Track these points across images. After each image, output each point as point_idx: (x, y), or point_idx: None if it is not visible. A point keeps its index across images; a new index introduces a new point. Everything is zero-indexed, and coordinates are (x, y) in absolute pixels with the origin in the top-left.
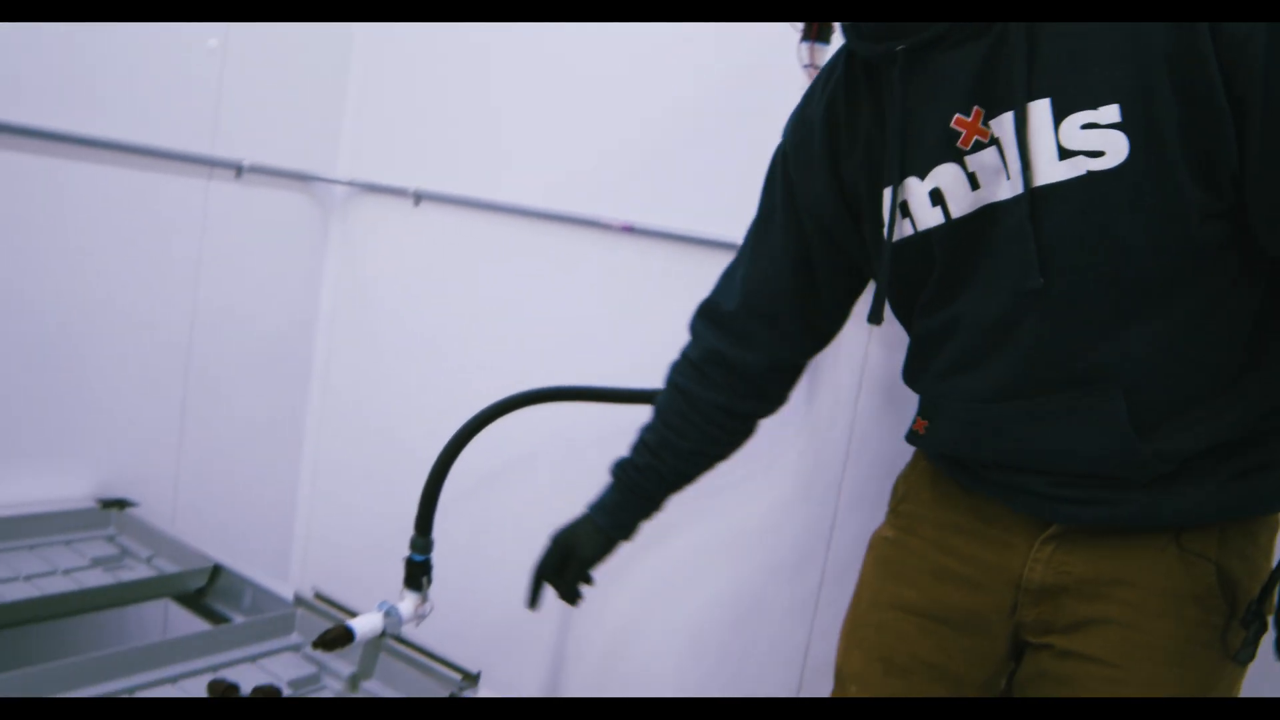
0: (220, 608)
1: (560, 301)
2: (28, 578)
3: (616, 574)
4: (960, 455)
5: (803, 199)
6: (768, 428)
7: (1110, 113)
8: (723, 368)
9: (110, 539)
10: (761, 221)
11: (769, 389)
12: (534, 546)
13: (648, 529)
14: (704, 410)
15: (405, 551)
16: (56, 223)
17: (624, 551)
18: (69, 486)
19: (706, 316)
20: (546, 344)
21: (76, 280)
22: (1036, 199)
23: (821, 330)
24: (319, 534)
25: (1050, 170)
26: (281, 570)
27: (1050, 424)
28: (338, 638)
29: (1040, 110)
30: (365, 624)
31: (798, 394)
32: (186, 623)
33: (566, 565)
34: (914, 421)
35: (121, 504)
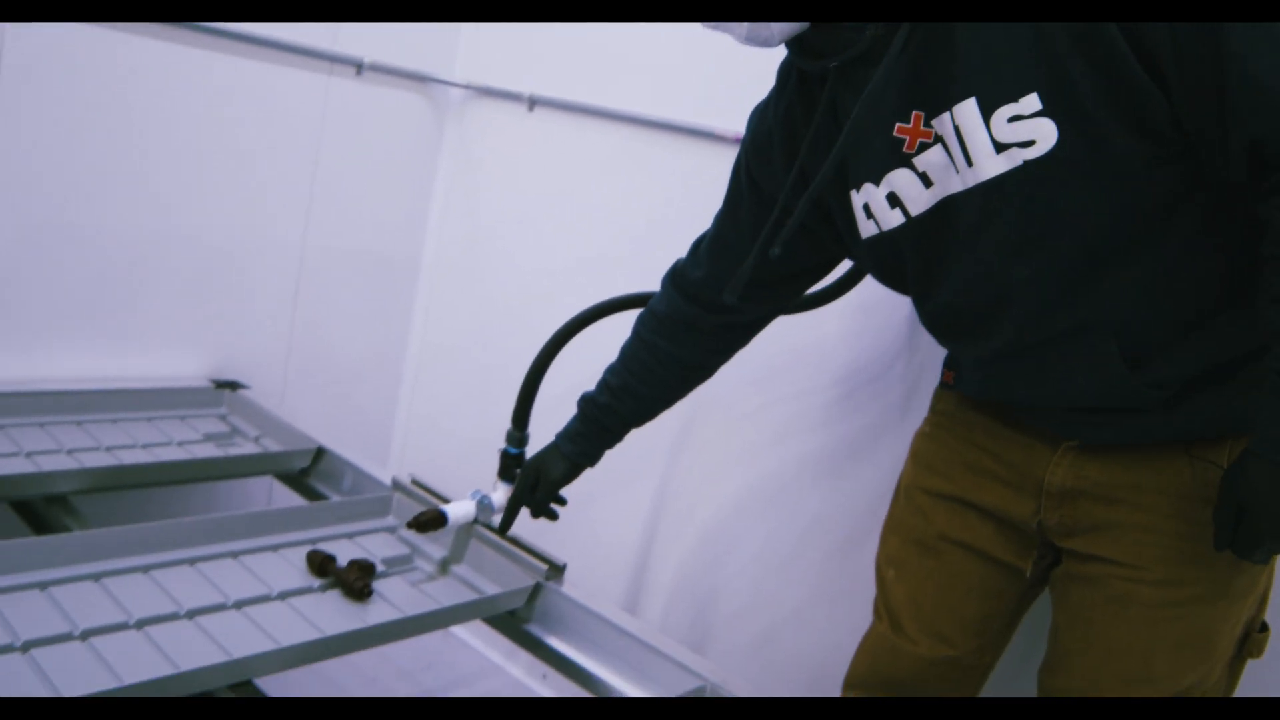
0: (321, 488)
1: (668, 211)
2: (144, 446)
3: (706, 488)
4: (984, 399)
5: (767, 193)
6: (864, 345)
7: (1031, 102)
8: (684, 326)
9: (222, 417)
10: (728, 203)
11: (724, 346)
12: (625, 451)
13: (740, 446)
14: (664, 361)
15: (501, 446)
16: (181, 110)
17: (714, 466)
18: (185, 366)
19: (675, 280)
20: (652, 253)
21: (199, 168)
22: (987, 190)
23: (776, 303)
24: (419, 425)
25: (990, 165)
26: (381, 458)
27: (1052, 371)
28: (431, 520)
29: (969, 110)
30: (458, 510)
31: (900, 316)
32: (289, 500)
33: (537, 486)
34: (943, 373)
35: (234, 385)
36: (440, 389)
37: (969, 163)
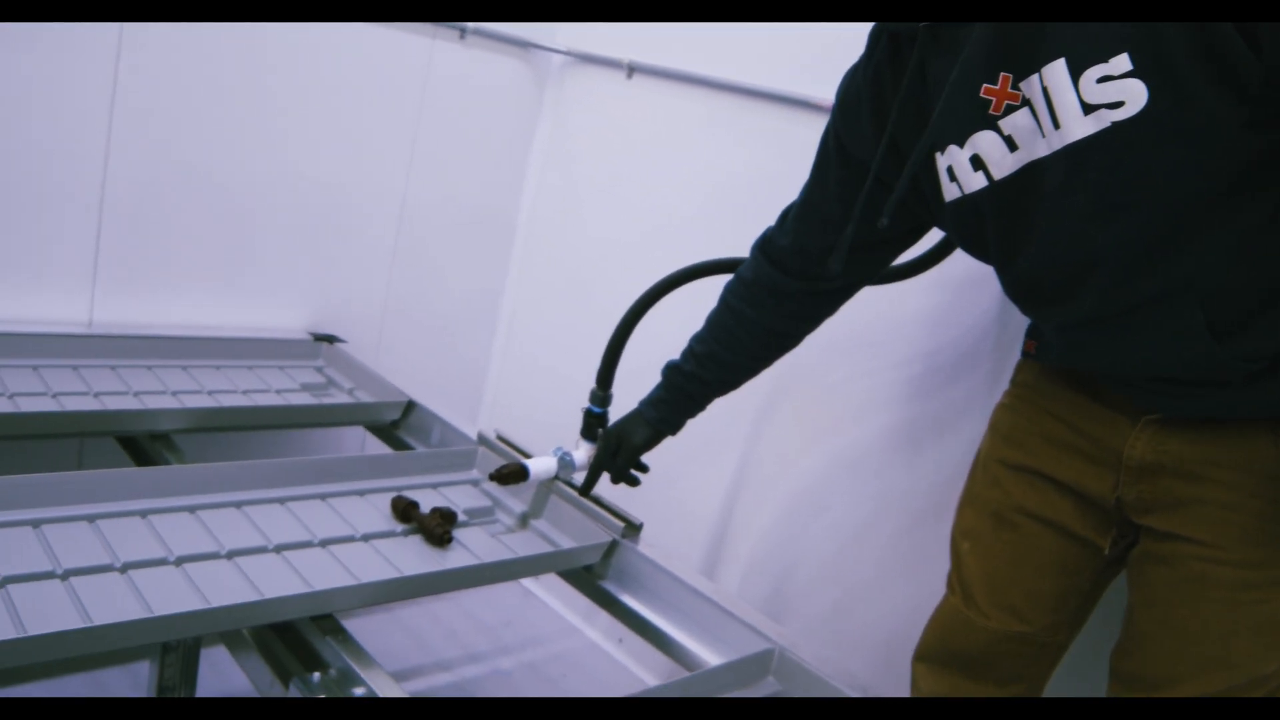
0: (410, 440)
1: (760, 179)
2: (244, 391)
3: (788, 458)
4: (1067, 367)
5: (855, 158)
6: (953, 321)
7: (1121, 62)
8: (772, 293)
9: (318, 369)
10: (817, 170)
11: (811, 314)
12: (709, 421)
13: (824, 418)
14: (751, 328)
15: (585, 405)
16: (290, 72)
17: (797, 437)
18: (286, 319)
19: (764, 248)
20: (743, 221)
21: (308, 124)
22: (1074, 153)
23: (867, 271)
24: (509, 382)
25: (1078, 127)
26: (471, 413)
27: (1136, 339)
28: (513, 473)
29: (1057, 70)
30: (540, 465)
31: (991, 292)
32: (378, 450)
33: (619, 452)
34: (1025, 343)
35: (330, 339)
36: (531, 347)
37: (1056, 125)
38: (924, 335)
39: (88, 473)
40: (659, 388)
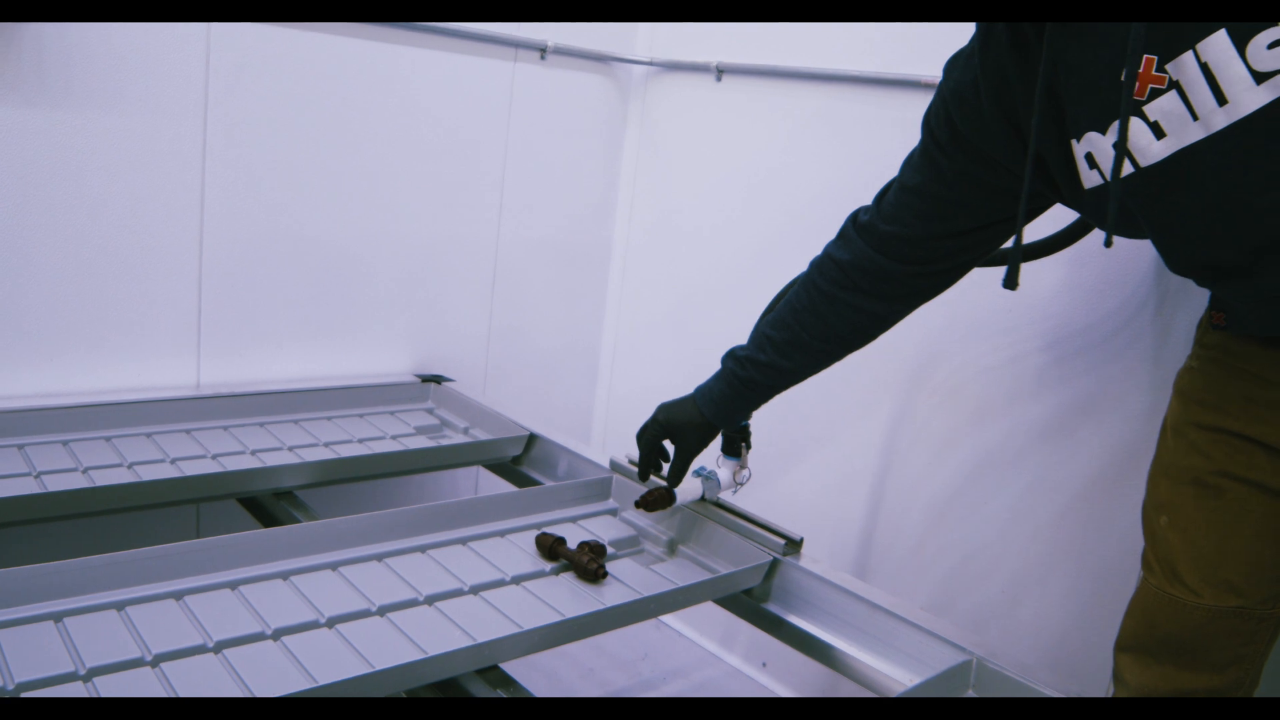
0: (534, 474)
1: (870, 168)
2: (360, 440)
3: (932, 455)
4: (1269, 335)
5: (973, 145)
6: (1106, 292)
7: None
8: (875, 277)
9: (430, 410)
10: (925, 158)
11: (916, 296)
12: (843, 423)
13: (967, 410)
14: (843, 312)
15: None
16: (375, 112)
17: (938, 433)
18: (392, 364)
19: (863, 233)
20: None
21: (397, 166)
22: (1245, 127)
23: (977, 255)
24: (619, 409)
25: (1250, 98)
26: (582, 444)
27: None
28: (659, 499)
29: (1218, 43)
30: (685, 488)
31: (1151, 261)
32: (500, 489)
33: (670, 455)
34: (1210, 314)
35: (439, 379)
36: (638, 371)
37: (1220, 101)
38: (1072, 311)
39: (225, 538)
40: (719, 381)
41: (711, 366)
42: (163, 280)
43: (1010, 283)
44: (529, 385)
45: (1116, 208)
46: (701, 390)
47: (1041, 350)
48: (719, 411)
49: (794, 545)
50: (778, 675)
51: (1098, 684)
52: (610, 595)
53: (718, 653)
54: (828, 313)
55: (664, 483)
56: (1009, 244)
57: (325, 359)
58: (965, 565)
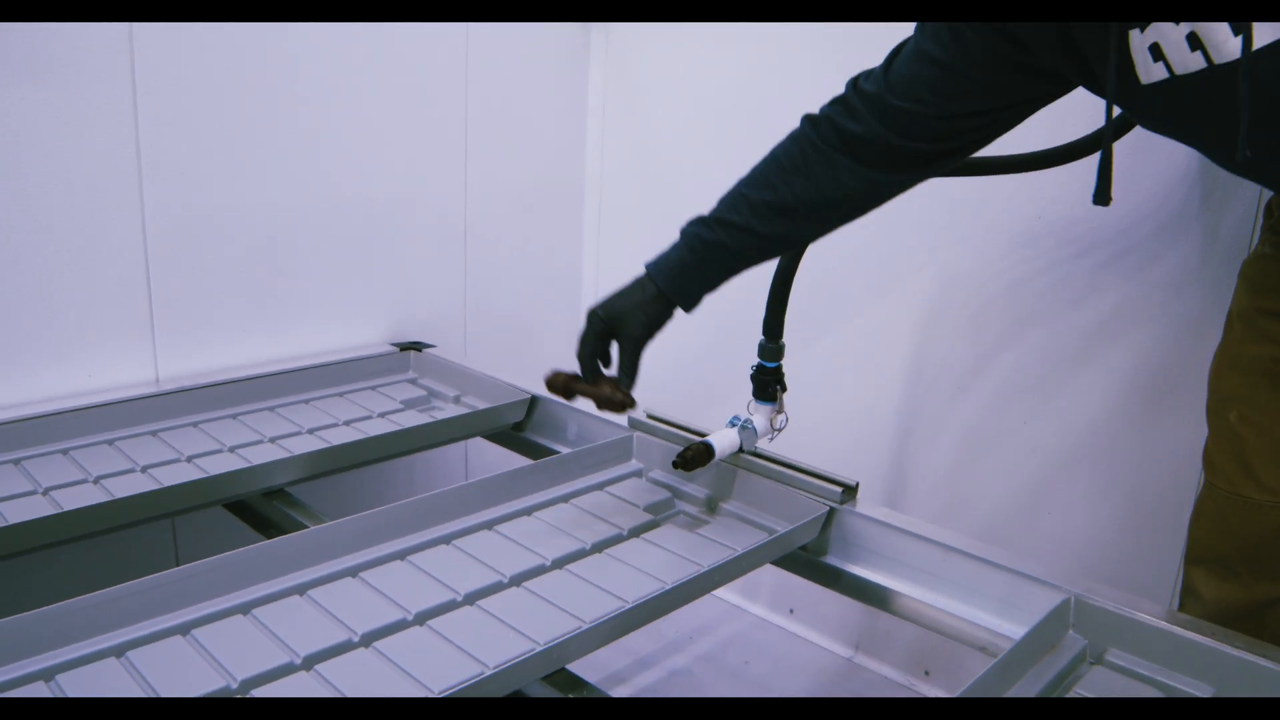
0: (541, 440)
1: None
2: (347, 423)
3: (961, 384)
4: None
5: (1011, 30)
6: (1141, 190)
7: None
8: (874, 148)
9: (413, 381)
10: (953, 33)
11: (926, 169)
12: (863, 349)
13: (994, 331)
14: (841, 175)
15: (702, 371)
16: (320, 80)
17: (966, 360)
18: (364, 334)
19: (872, 105)
20: None
21: (340, 133)
22: None
23: (977, 139)
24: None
25: None
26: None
27: None
28: (697, 455)
29: None
30: (723, 440)
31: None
32: (498, 459)
33: (614, 343)
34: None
35: (417, 346)
36: None
37: None
38: (1106, 214)
39: (227, 556)
40: (677, 250)
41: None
42: (106, 267)
43: (1101, 198)
44: (513, 344)
45: (1249, 111)
46: (654, 262)
47: (1074, 259)
48: (677, 282)
49: (850, 491)
50: (807, 621)
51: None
52: (665, 569)
53: (740, 604)
54: (821, 174)
55: (627, 396)
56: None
57: (293, 337)
58: (1006, 500)
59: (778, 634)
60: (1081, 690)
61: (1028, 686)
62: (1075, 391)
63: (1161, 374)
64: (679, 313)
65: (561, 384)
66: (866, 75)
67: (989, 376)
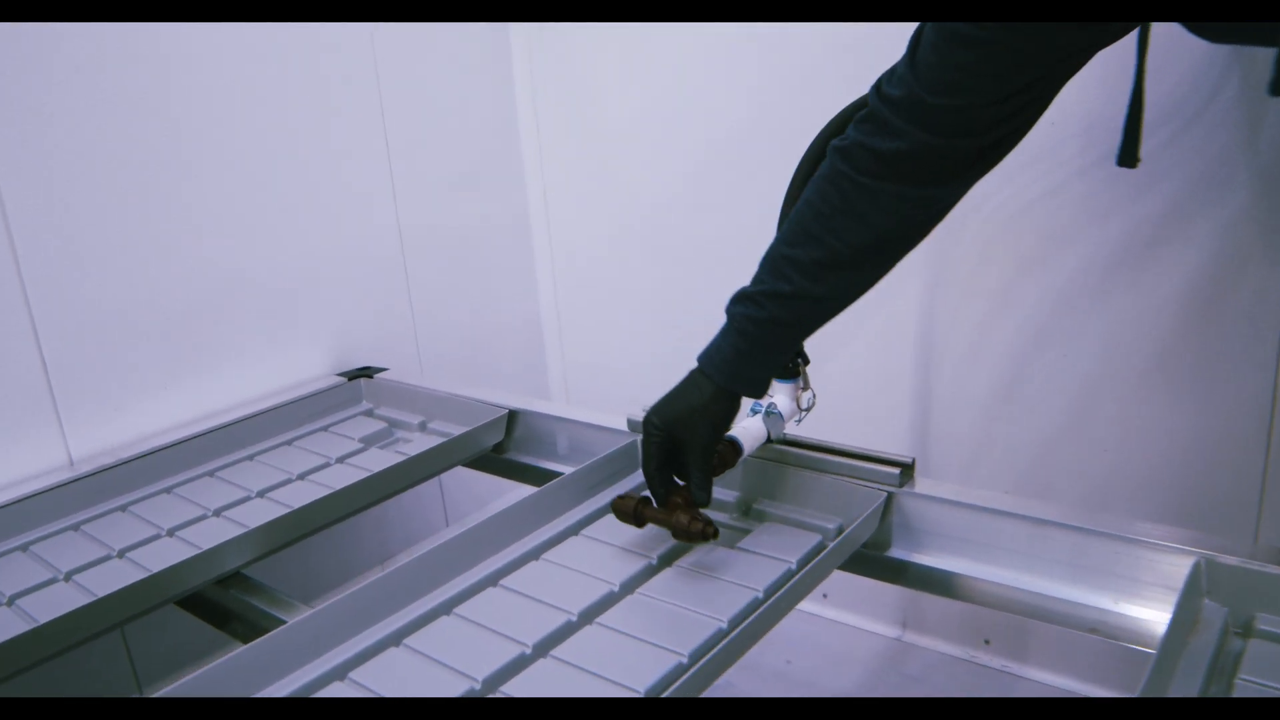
0: (527, 460)
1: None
2: (302, 476)
3: (989, 316)
4: None
5: None
6: (1168, 78)
7: None
8: (924, 160)
9: (370, 413)
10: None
11: (973, 174)
12: (861, 313)
13: (1012, 262)
14: (891, 204)
15: (675, 355)
16: (210, 97)
17: (983, 299)
18: (307, 367)
19: (899, 106)
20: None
21: (255, 141)
22: None
23: (1034, 113)
24: (576, 359)
25: None
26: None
27: None
28: (724, 457)
29: None
30: (749, 433)
31: None
32: (481, 488)
33: (672, 456)
34: None
35: (368, 372)
36: (589, 314)
37: None
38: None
39: (226, 663)
40: (728, 336)
41: (669, 284)
42: None
43: (1128, 159)
44: (472, 355)
45: None
46: (705, 355)
47: (1097, 165)
48: (736, 372)
49: (908, 471)
50: (844, 605)
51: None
52: (717, 604)
53: None
54: (870, 210)
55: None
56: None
57: (224, 384)
58: (1050, 448)
59: (816, 624)
60: (1250, 676)
61: (1188, 680)
62: (1121, 312)
63: (1214, 285)
64: (665, 302)
65: (631, 511)
66: (889, 77)
67: (1017, 310)
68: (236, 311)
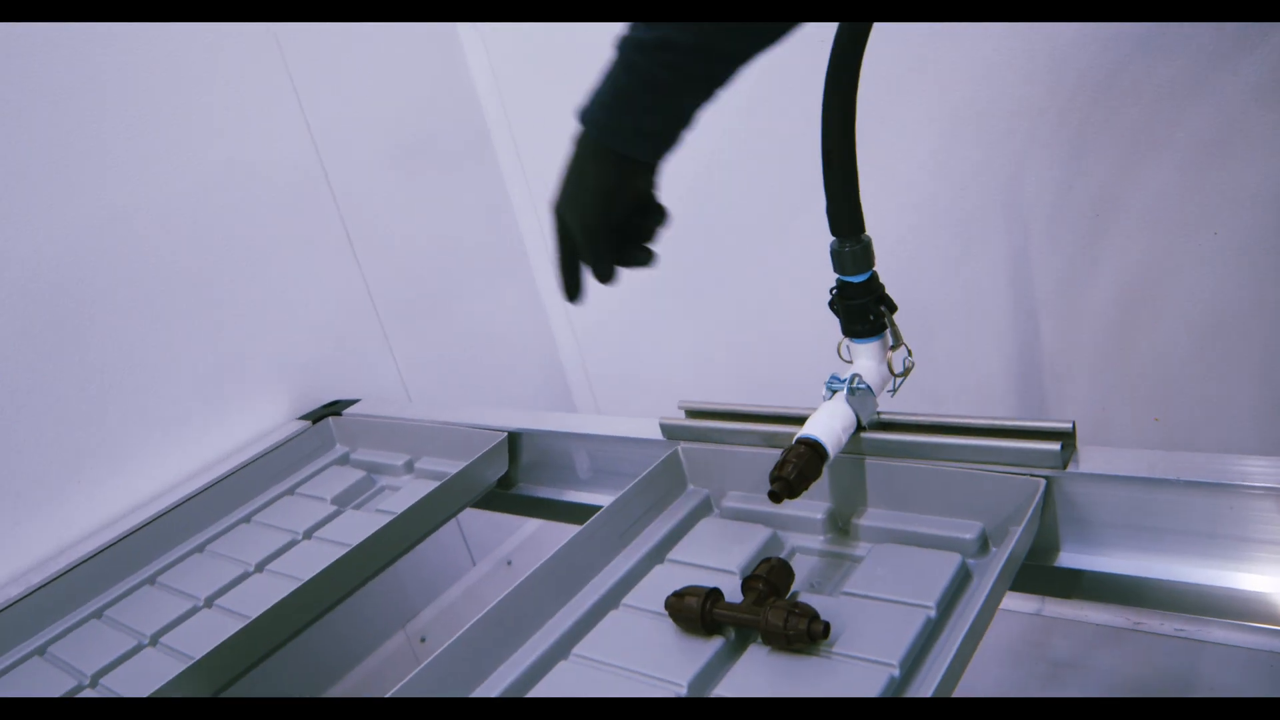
0: (540, 493)
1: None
2: (261, 567)
3: (1096, 257)
4: None
5: None
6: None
7: None
8: None
9: (344, 459)
10: None
11: None
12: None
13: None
14: None
15: (697, 335)
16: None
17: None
18: (259, 415)
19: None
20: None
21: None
22: None
23: None
24: (595, 356)
25: None
26: (592, 418)
27: None
28: (803, 469)
29: None
30: (832, 424)
31: None
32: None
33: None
34: None
35: (336, 408)
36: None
37: None
38: None
39: None
40: (610, 72)
41: (671, 264)
42: None
43: None
44: (456, 367)
45: None
46: (582, 104)
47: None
48: (615, 122)
49: (1070, 441)
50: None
51: None
52: (850, 673)
53: None
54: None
55: None
56: None
57: (159, 457)
58: (1179, 383)
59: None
60: None
61: None
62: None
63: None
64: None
65: (698, 616)
66: None
67: (1121, 258)
68: (168, 356)
